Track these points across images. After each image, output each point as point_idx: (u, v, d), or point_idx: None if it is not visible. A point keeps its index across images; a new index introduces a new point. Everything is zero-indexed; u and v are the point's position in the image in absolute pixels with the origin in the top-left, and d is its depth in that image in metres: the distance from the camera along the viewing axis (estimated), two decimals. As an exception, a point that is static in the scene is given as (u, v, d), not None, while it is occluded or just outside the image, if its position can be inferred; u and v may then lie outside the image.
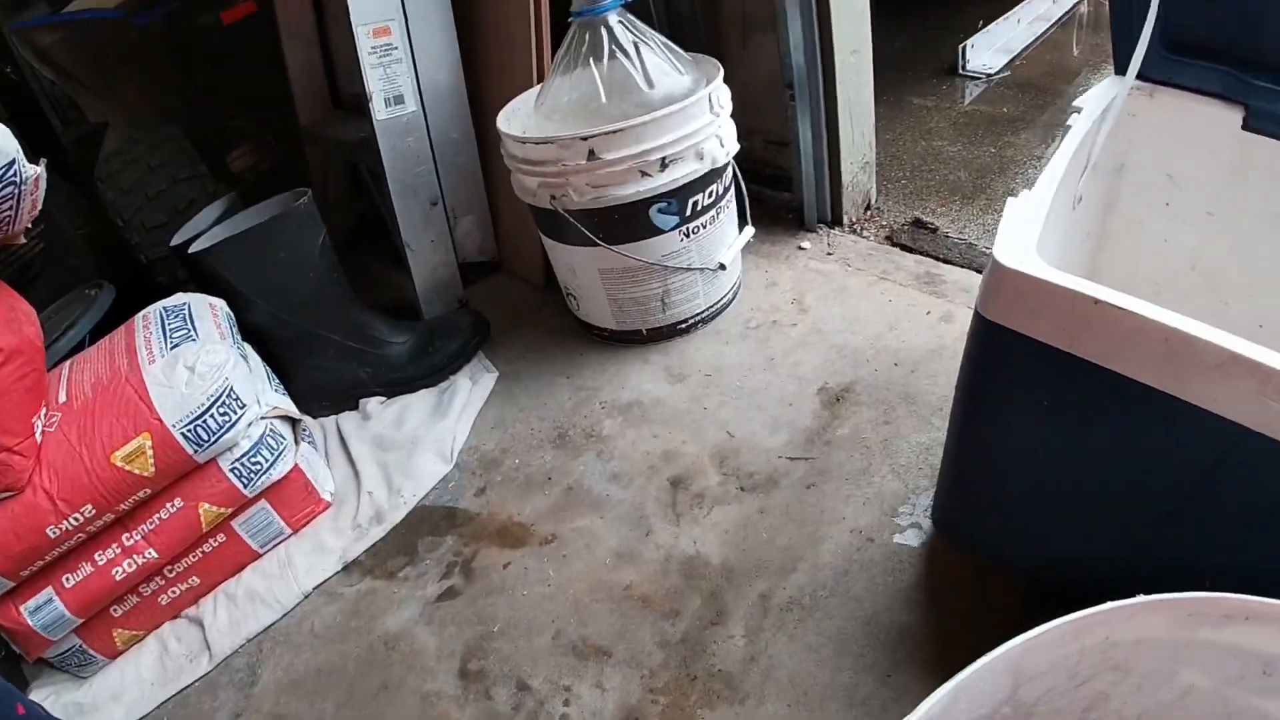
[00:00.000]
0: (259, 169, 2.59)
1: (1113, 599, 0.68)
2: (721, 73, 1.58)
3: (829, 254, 1.90)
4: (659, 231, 1.56)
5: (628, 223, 1.54)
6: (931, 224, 1.98)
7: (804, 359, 1.61)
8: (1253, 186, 1.20)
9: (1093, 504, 0.93)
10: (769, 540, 1.30)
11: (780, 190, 2.02)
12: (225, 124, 2.53)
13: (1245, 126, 1.16)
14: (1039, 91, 2.82)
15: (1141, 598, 0.68)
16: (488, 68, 1.93)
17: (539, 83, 1.76)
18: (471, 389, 1.72)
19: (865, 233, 1.97)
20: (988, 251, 1.89)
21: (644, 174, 1.49)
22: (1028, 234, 0.87)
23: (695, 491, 1.41)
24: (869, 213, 2.04)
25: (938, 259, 1.84)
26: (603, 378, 1.69)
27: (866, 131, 1.95)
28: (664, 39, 1.60)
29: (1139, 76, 1.17)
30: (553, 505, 1.45)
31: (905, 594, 1.17)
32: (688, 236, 1.59)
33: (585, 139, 1.45)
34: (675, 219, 1.56)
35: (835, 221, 1.98)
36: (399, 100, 1.78)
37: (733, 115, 1.63)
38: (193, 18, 2.29)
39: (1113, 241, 1.37)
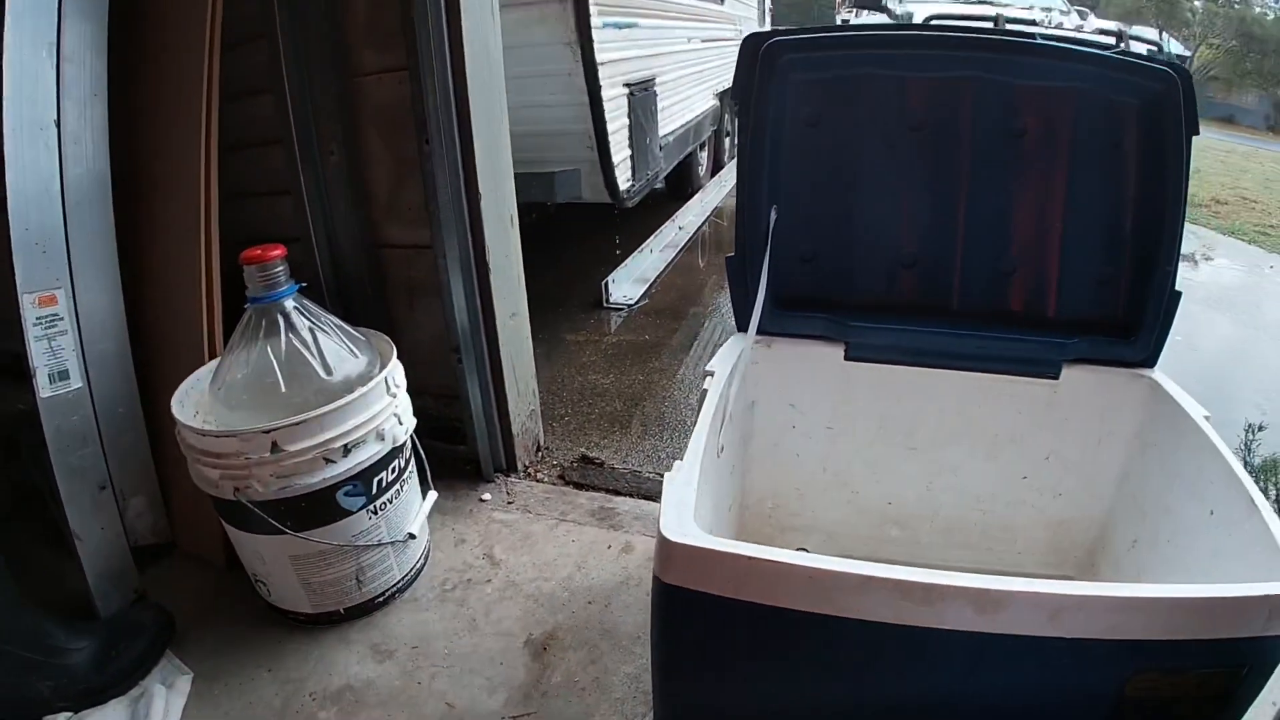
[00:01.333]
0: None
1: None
2: (395, 351, 1.68)
3: (510, 502, 2.03)
4: (348, 513, 1.59)
5: (315, 509, 1.55)
6: (598, 459, 2.19)
7: (505, 614, 1.69)
8: (859, 402, 1.52)
9: (797, 709, 1.06)
10: (512, 807, 1.31)
11: (456, 443, 2.13)
12: None
13: (847, 357, 1.48)
14: (673, 316, 3.27)
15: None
16: (154, 335, 1.88)
17: (210, 357, 1.74)
18: (168, 695, 1.55)
19: (540, 475, 2.13)
20: (650, 477, 2.13)
21: (328, 461, 1.52)
22: (685, 505, 1.02)
23: (426, 773, 1.39)
24: (540, 454, 2.21)
25: (609, 492, 2.04)
26: (307, 665, 1.61)
27: (530, 382, 2.15)
28: (337, 320, 1.66)
29: (758, 332, 1.44)
30: (275, 819, 1.35)
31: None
32: (375, 514, 1.64)
33: (268, 432, 1.46)
34: (362, 499, 1.60)
35: (511, 469, 2.13)
36: (64, 376, 1.65)
37: (406, 374, 1.71)
38: None
39: (755, 464, 1.62)
